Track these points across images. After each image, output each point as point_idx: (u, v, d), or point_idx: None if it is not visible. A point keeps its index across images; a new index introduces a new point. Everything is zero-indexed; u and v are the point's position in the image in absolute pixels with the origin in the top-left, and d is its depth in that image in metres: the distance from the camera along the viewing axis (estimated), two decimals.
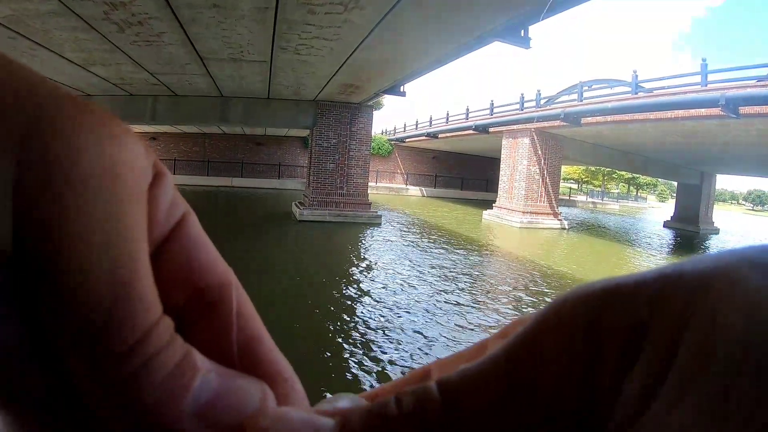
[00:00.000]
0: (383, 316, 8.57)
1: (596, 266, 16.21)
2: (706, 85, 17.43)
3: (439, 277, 12.28)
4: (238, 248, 14.33)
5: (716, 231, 36.28)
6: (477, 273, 13.29)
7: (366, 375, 6.17)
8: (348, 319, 8.32)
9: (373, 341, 7.34)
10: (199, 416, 0.20)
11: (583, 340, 0.20)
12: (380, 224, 20.71)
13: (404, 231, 19.93)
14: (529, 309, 9.98)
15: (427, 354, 7.00)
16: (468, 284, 11.74)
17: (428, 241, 17.78)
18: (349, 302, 9.39)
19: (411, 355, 6.93)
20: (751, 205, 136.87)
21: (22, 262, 0.17)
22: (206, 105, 19.61)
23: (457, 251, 16.11)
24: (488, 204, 30.06)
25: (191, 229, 0.24)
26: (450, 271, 12.99)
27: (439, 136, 37.61)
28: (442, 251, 15.92)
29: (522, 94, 27.81)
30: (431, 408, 0.20)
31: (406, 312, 8.88)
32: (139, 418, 0.19)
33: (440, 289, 11.07)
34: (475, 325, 8.49)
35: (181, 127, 33.51)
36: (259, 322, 0.25)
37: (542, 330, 0.21)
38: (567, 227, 26.30)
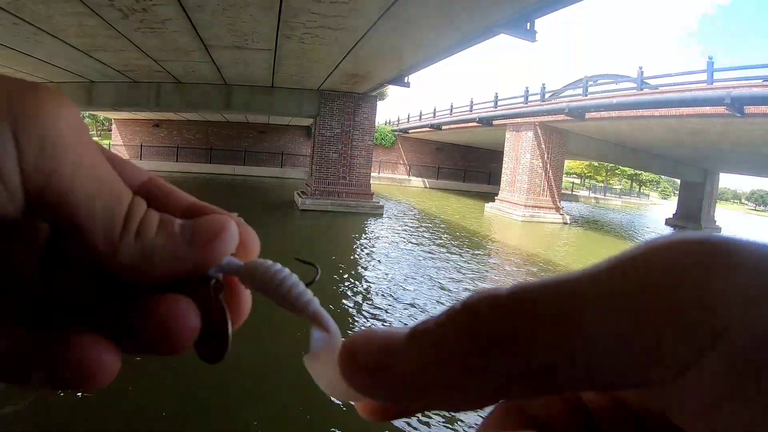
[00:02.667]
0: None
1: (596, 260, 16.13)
2: (712, 83, 17.34)
3: (439, 275, 12.28)
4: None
5: (718, 230, 36.10)
6: (477, 271, 13.29)
7: None
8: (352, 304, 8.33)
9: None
10: (189, 242, 0.29)
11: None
12: (382, 215, 20.70)
13: (406, 223, 19.88)
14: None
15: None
16: (469, 279, 11.74)
17: (430, 234, 17.76)
18: (350, 292, 9.40)
19: None
20: (754, 205, 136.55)
21: (39, 198, 0.24)
22: (210, 92, 19.58)
23: (459, 245, 16.11)
24: (490, 197, 30.03)
25: (159, 181, 0.34)
26: (452, 269, 12.99)
27: (443, 127, 37.54)
28: (443, 246, 15.91)
29: (526, 88, 27.73)
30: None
31: (410, 305, 8.90)
32: (150, 255, 0.28)
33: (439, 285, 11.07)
34: None
35: (184, 114, 33.50)
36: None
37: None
38: (569, 222, 26.27)
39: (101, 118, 50.53)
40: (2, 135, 0.23)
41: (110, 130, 42.54)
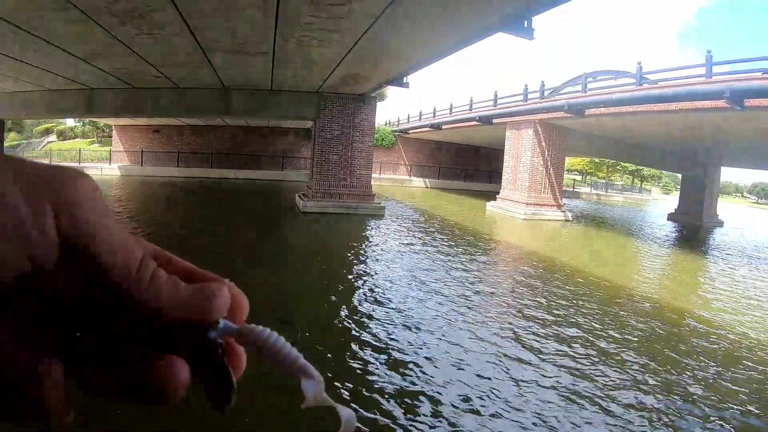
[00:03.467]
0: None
1: (599, 259, 16.22)
2: (711, 77, 17.31)
3: (436, 277, 12.31)
4: (241, 240, 14.40)
5: (720, 223, 36.18)
6: (477, 271, 13.31)
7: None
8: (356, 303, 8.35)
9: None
10: (191, 296, 0.38)
11: None
12: (384, 216, 20.71)
13: (407, 224, 19.90)
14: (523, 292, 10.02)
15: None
16: (472, 285, 11.77)
17: (433, 235, 17.78)
18: (353, 291, 9.42)
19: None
20: (756, 198, 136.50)
21: (72, 252, 0.34)
22: (209, 97, 19.58)
23: (460, 246, 16.12)
24: (492, 196, 30.04)
25: (161, 251, 0.42)
26: (452, 270, 13.00)
27: (443, 127, 37.49)
28: (446, 248, 15.94)
29: (526, 86, 27.65)
30: None
31: (416, 301, 8.92)
32: (151, 301, 0.36)
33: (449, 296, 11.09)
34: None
35: (185, 119, 33.58)
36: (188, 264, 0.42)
37: None
38: (571, 219, 26.29)
39: (102, 125, 50.59)
40: (45, 210, 0.32)
41: (111, 137, 42.64)
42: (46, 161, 28.50)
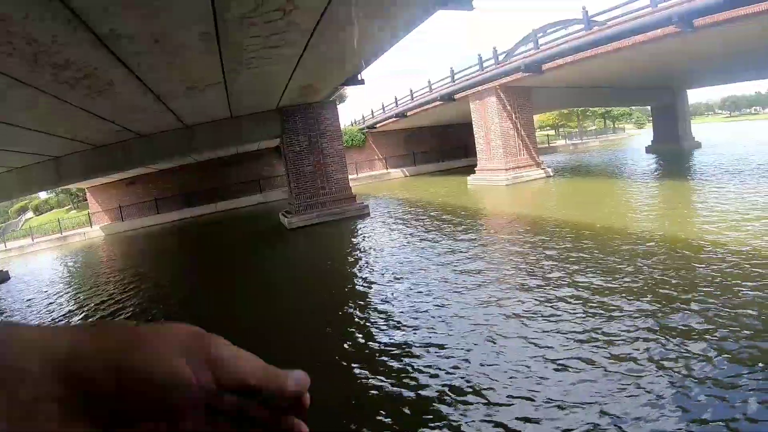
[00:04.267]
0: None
1: (586, 206, 16.39)
2: (656, 6, 17.47)
3: (432, 261, 12.41)
4: (233, 268, 14.46)
5: (698, 145, 36.62)
6: (469, 248, 13.41)
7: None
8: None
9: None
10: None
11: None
12: (369, 214, 20.78)
13: (393, 216, 20.01)
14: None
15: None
16: (465, 257, 11.87)
17: (420, 221, 17.87)
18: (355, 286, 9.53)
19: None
20: (728, 113, 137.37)
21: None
22: (174, 139, 19.46)
23: (449, 224, 16.23)
24: (471, 169, 30.16)
25: None
26: (444, 251, 13.10)
27: (408, 114, 37.55)
28: (433, 229, 16.02)
29: (479, 55, 27.70)
30: None
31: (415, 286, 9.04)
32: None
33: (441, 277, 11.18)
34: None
35: (155, 165, 33.41)
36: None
37: None
38: (552, 174, 26.48)
39: (74, 190, 50.24)
40: (201, 363, 0.42)
41: (86, 200, 42.35)
42: (28, 239, 28.41)
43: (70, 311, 12.85)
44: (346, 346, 7.18)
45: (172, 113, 15.55)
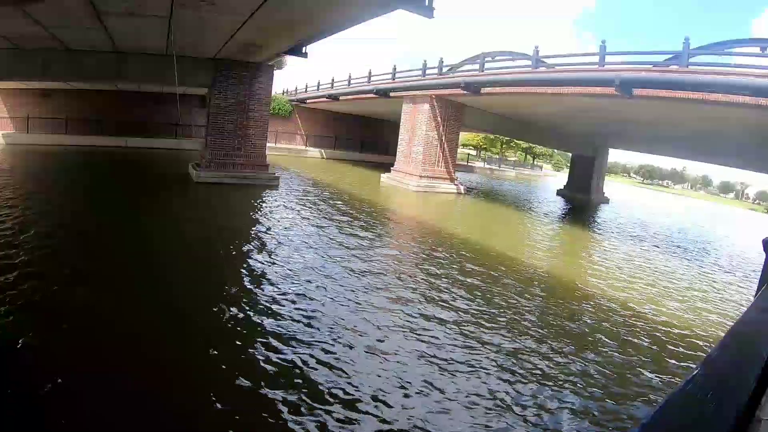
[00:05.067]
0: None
1: (488, 228, 16.93)
2: (603, 65, 18.28)
3: (328, 247, 12.48)
4: (126, 207, 14.06)
5: (606, 200, 38.64)
6: (368, 241, 13.55)
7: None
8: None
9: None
10: None
11: None
12: (278, 186, 20.63)
13: (302, 194, 19.97)
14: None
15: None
16: (352, 254, 11.99)
17: (326, 206, 17.90)
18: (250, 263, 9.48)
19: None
20: (642, 179, 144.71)
21: None
22: (102, 61, 18.54)
23: (354, 216, 16.34)
24: (387, 167, 30.44)
25: None
26: (342, 241, 13.20)
27: (341, 98, 37.55)
28: (337, 218, 16.10)
29: (425, 61, 28.05)
30: None
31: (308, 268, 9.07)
32: None
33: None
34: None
35: (75, 84, 31.97)
36: None
37: None
38: (463, 192, 27.09)
39: None
40: None
41: None
42: None
43: None
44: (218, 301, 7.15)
45: (107, 33, 14.87)
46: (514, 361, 6.29)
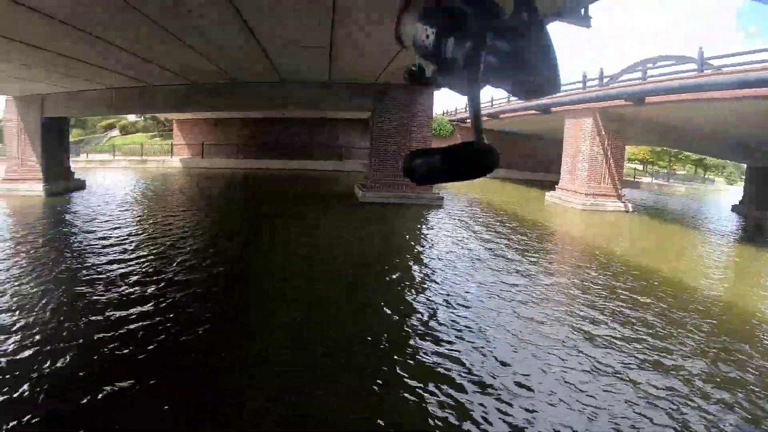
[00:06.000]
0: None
1: (663, 252, 15.94)
2: None
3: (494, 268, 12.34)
4: (303, 228, 14.70)
5: None
6: (534, 268, 13.28)
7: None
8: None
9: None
10: None
11: None
12: (442, 206, 20.77)
13: (465, 214, 19.90)
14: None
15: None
16: (530, 271, 11.78)
17: (489, 225, 17.76)
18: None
19: None
20: None
21: None
22: (266, 90, 19.84)
23: (517, 237, 16.08)
24: (550, 186, 29.72)
25: None
26: (509, 265, 13.01)
27: (501, 116, 37.14)
28: (501, 238, 15.91)
29: (584, 74, 27.20)
30: None
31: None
32: None
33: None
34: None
35: (242, 112, 34.18)
36: None
37: None
38: (631, 209, 25.77)
39: (162, 119, 51.89)
40: None
41: (171, 130, 43.70)
42: (110, 155, 30.07)
43: (126, 224, 13.42)
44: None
45: (270, 63, 15.75)
46: None
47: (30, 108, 21.76)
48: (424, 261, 11.76)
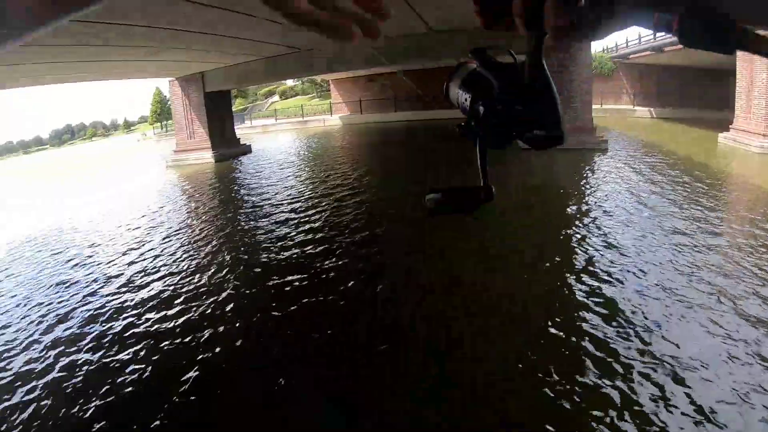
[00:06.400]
0: None
1: None
2: None
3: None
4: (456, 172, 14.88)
5: None
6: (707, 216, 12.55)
7: None
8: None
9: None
10: None
11: None
12: (606, 150, 19.96)
13: (631, 160, 18.84)
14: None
15: None
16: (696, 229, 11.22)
17: (656, 172, 16.92)
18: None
19: None
20: None
21: None
22: (417, 42, 19.92)
23: (685, 186, 15.27)
24: (724, 125, 26.84)
25: None
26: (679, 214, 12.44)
27: (665, 49, 34.36)
28: (669, 187, 15.18)
29: None
30: None
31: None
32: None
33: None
34: None
35: (393, 67, 34.57)
36: None
37: None
38: None
39: (319, 81, 53.74)
40: None
41: (328, 91, 45.23)
42: (272, 119, 32.32)
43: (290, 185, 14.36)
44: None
45: (418, 16, 15.84)
46: None
47: (193, 86, 25.06)
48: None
